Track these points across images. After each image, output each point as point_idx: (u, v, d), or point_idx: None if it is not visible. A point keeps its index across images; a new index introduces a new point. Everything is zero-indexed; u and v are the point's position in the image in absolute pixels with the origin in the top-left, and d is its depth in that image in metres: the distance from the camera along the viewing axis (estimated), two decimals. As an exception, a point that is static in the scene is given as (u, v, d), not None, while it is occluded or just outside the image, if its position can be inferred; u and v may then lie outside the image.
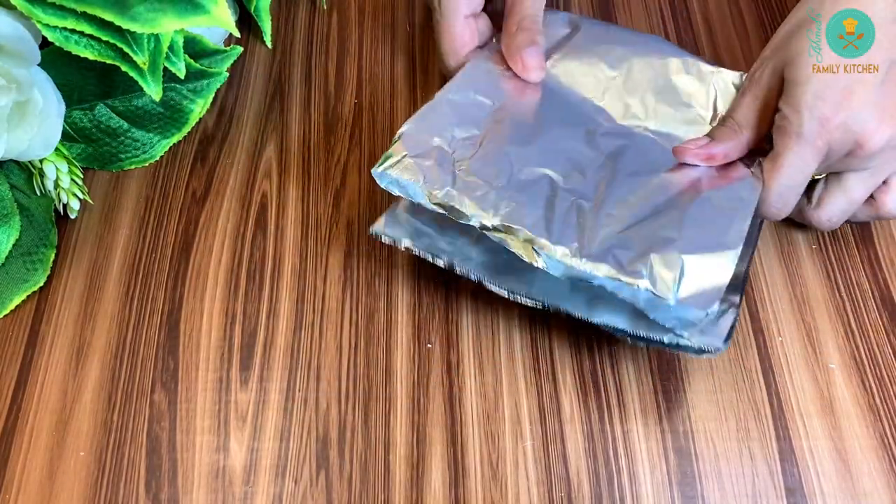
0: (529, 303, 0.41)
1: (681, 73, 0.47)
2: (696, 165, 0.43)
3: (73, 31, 0.40)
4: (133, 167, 0.49)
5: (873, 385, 0.42)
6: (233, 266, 0.46)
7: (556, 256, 0.38)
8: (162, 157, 0.49)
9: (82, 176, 0.47)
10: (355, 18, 0.56)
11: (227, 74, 0.49)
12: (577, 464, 0.40)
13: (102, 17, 0.39)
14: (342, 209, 0.48)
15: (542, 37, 0.47)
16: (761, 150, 0.43)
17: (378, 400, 0.41)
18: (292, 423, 0.41)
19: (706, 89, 0.46)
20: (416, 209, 0.43)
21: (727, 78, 0.46)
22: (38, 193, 0.46)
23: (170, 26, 0.40)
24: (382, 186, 0.41)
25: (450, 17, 0.47)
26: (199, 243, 0.46)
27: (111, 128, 0.48)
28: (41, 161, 0.45)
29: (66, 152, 0.46)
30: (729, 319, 0.40)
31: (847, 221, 0.45)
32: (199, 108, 0.49)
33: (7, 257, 0.44)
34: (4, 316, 0.44)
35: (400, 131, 0.42)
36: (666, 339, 0.39)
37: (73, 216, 0.47)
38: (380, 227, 0.42)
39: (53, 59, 0.44)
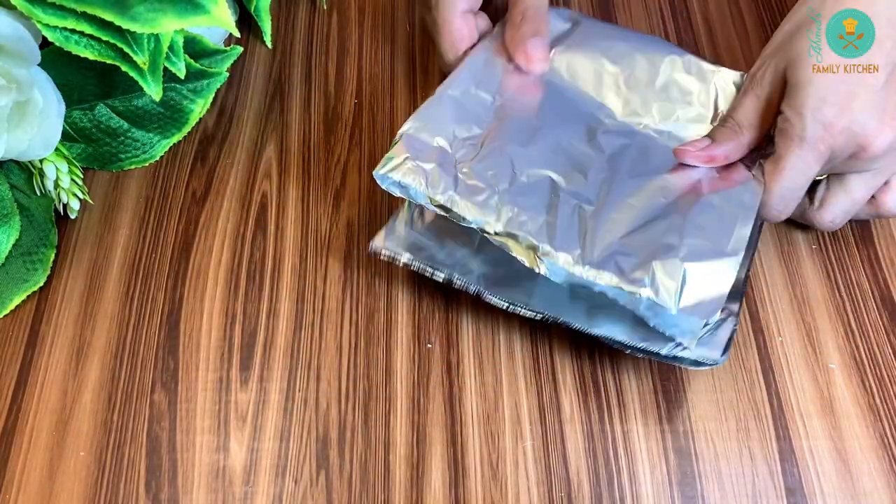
0: (529, 314, 0.41)
1: (682, 72, 0.47)
2: (696, 166, 0.43)
3: (73, 31, 0.40)
4: (133, 167, 0.49)
5: (873, 385, 0.42)
6: (233, 266, 0.46)
7: (558, 263, 0.38)
8: (162, 157, 0.49)
9: (82, 176, 0.47)
10: (355, 18, 0.56)
11: (227, 74, 0.49)
12: (577, 464, 0.40)
13: (102, 17, 0.39)
14: (342, 209, 0.48)
15: (547, 28, 0.47)
16: (761, 147, 0.43)
17: (378, 400, 0.41)
18: (292, 423, 0.41)
19: (707, 88, 0.46)
20: (413, 223, 0.44)
21: (728, 77, 0.46)
22: (38, 193, 0.46)
23: (170, 26, 0.40)
24: (384, 188, 0.41)
25: (447, 13, 0.47)
26: (199, 243, 0.46)
27: (111, 128, 0.48)
28: (41, 161, 0.45)
29: (66, 152, 0.46)
30: (727, 329, 0.40)
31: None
32: (199, 108, 0.49)
33: (7, 257, 0.44)
34: (4, 316, 0.44)
35: (401, 131, 0.42)
36: (664, 352, 0.39)
37: (73, 216, 0.47)
38: (378, 243, 0.43)
39: (53, 59, 0.44)
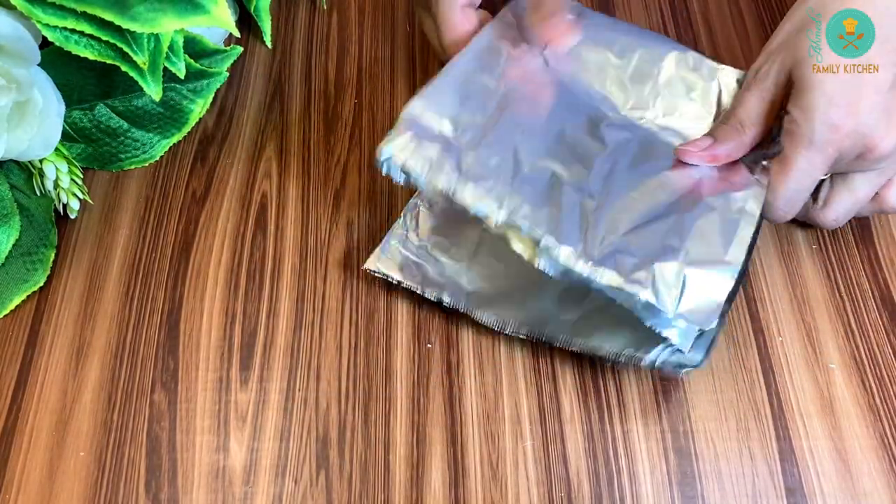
0: (516, 334, 0.42)
1: (686, 68, 0.47)
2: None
3: (73, 31, 0.40)
4: (133, 167, 0.49)
5: (873, 385, 0.42)
6: (233, 266, 0.46)
7: (559, 257, 0.38)
8: (162, 157, 0.49)
9: (82, 176, 0.47)
10: (355, 18, 0.56)
11: (227, 74, 0.49)
12: (577, 464, 0.40)
13: (102, 17, 0.39)
14: (342, 209, 0.48)
15: (565, 2, 0.46)
16: (763, 145, 0.43)
17: (378, 400, 0.41)
18: (292, 423, 0.41)
19: (711, 85, 0.46)
20: (406, 242, 0.44)
21: (731, 75, 0.46)
22: (38, 193, 0.46)
23: (170, 26, 0.40)
24: (383, 172, 0.40)
25: (447, 8, 0.46)
26: (199, 243, 0.46)
27: (111, 128, 0.48)
28: (41, 161, 0.45)
29: (66, 152, 0.46)
30: (710, 333, 0.40)
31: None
32: (199, 108, 0.49)
33: (7, 257, 0.44)
34: (4, 316, 0.44)
35: (403, 113, 0.41)
36: (645, 362, 0.40)
37: (73, 216, 0.47)
38: (372, 263, 0.44)
39: (53, 59, 0.44)
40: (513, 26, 0.47)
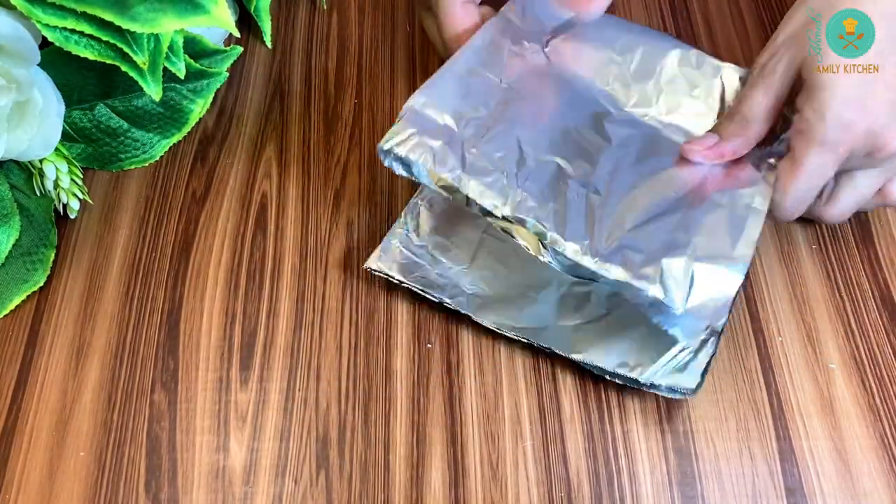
0: (515, 337, 0.42)
1: (688, 66, 0.47)
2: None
3: (73, 31, 0.40)
4: (133, 167, 0.49)
5: (873, 385, 0.42)
6: (233, 266, 0.46)
7: (566, 252, 0.38)
8: (162, 157, 0.49)
9: (82, 176, 0.47)
10: (355, 18, 0.56)
11: (227, 74, 0.49)
12: (577, 464, 0.40)
13: (102, 17, 0.39)
14: (342, 209, 0.48)
15: None
16: (767, 141, 0.43)
17: (378, 400, 0.41)
18: (292, 423, 0.41)
19: (713, 82, 0.46)
20: (408, 242, 0.44)
21: (733, 72, 0.46)
22: (38, 193, 0.46)
23: (170, 26, 0.40)
24: (385, 164, 0.40)
25: (448, 3, 0.46)
26: (199, 243, 0.46)
27: (111, 128, 0.48)
28: (41, 161, 0.45)
29: (66, 152, 0.46)
30: (706, 356, 0.40)
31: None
32: (199, 108, 0.49)
33: (7, 257, 0.44)
34: (4, 316, 0.44)
35: (406, 105, 0.41)
36: (642, 379, 0.39)
37: (72, 216, 0.47)
38: (373, 262, 0.43)
39: (53, 59, 0.44)
40: (515, 23, 0.47)
